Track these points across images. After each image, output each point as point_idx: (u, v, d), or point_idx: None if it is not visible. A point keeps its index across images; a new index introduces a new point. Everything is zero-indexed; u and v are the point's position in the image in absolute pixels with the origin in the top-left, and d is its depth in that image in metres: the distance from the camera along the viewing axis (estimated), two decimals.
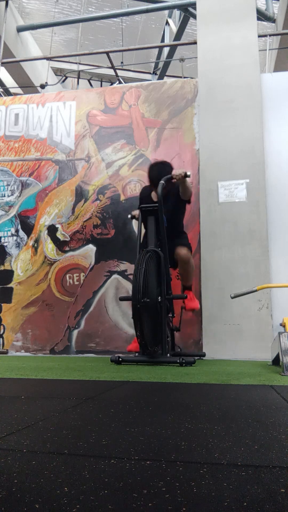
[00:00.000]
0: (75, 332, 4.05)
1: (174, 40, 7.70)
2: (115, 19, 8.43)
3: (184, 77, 4.63)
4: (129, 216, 3.56)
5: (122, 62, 8.23)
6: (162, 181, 3.11)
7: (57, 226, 4.32)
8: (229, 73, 4.14)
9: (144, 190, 3.58)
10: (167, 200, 3.25)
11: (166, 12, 8.22)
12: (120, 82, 6.20)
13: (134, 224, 4.07)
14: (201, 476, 0.73)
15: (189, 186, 3.28)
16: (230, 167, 3.95)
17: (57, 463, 0.80)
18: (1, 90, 7.53)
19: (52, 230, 4.33)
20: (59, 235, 4.30)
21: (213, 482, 0.70)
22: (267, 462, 0.81)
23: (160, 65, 9.04)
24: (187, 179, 3.19)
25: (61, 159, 4.47)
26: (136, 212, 3.33)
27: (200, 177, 4.02)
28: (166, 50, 8.56)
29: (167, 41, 8.61)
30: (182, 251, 3.26)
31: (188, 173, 3.12)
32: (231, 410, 1.31)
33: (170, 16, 8.46)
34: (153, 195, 3.42)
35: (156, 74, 9.70)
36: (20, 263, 4.32)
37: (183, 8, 6.96)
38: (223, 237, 3.84)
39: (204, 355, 3.39)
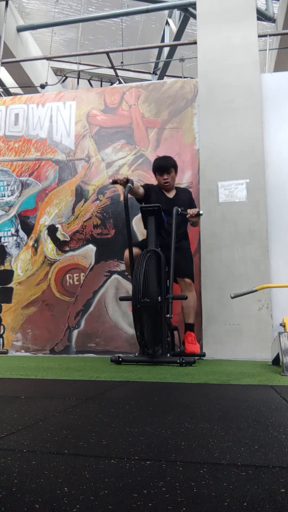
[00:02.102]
0: (75, 332, 4.05)
1: (174, 40, 7.70)
2: (115, 19, 8.43)
3: (184, 77, 4.63)
4: (111, 180, 3.22)
5: (122, 62, 8.23)
6: (177, 207, 3.21)
7: (57, 226, 4.32)
8: (229, 73, 4.14)
9: (152, 186, 3.56)
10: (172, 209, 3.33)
11: (166, 12, 8.22)
12: (120, 82, 6.20)
13: (134, 224, 4.06)
14: (201, 476, 0.73)
15: (198, 221, 3.50)
16: (230, 167, 3.95)
17: (57, 463, 0.80)
18: (1, 90, 7.54)
19: (52, 230, 4.33)
20: (59, 235, 4.30)
21: (213, 482, 0.70)
22: (267, 462, 0.81)
23: (160, 65, 9.04)
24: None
25: (61, 159, 4.47)
26: (120, 177, 3.10)
27: (200, 177, 4.02)
28: (166, 50, 8.56)
29: (167, 41, 8.61)
30: (186, 281, 3.31)
31: (201, 212, 3.29)
32: (231, 410, 1.31)
33: (170, 16, 8.46)
34: (166, 193, 3.52)
35: (156, 74, 9.70)
36: (20, 263, 4.32)
37: (183, 8, 6.96)
38: (223, 237, 3.84)
39: (204, 355, 3.39)
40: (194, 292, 3.37)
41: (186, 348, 3.29)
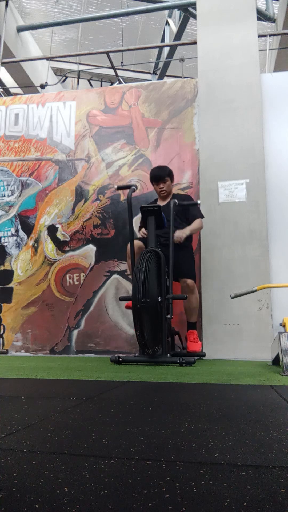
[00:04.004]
0: (75, 332, 4.05)
1: (174, 40, 7.71)
2: (115, 19, 8.44)
3: (184, 77, 4.63)
4: (116, 187, 3.56)
5: (122, 62, 8.23)
6: (174, 200, 3.29)
7: (57, 226, 4.32)
8: (229, 73, 4.14)
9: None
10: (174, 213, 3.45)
11: (166, 12, 8.22)
12: (120, 82, 6.20)
13: (135, 224, 4.06)
14: (201, 476, 0.73)
15: (194, 231, 3.52)
16: (230, 167, 3.95)
17: (57, 463, 0.80)
18: (1, 90, 7.54)
19: (52, 230, 4.33)
20: (59, 235, 4.30)
21: (213, 482, 0.70)
22: (267, 462, 0.81)
23: (160, 65, 9.04)
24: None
25: (61, 159, 4.46)
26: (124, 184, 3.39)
27: (200, 177, 4.02)
28: (166, 50, 8.56)
29: (167, 41, 8.62)
30: (188, 282, 3.32)
31: (198, 202, 3.44)
32: (231, 410, 1.31)
33: (170, 16, 8.46)
34: (159, 202, 3.62)
35: (156, 74, 9.71)
36: (20, 263, 4.32)
37: (183, 8, 6.97)
38: (223, 237, 3.84)
39: (204, 355, 3.39)
40: (196, 294, 3.38)
41: (188, 347, 3.31)
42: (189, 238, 3.51)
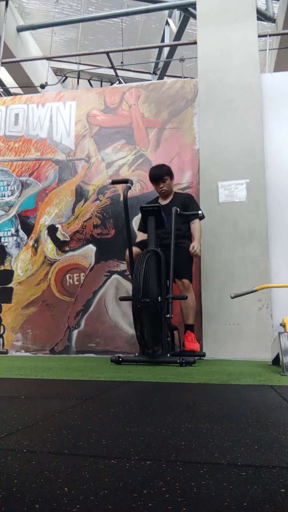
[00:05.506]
0: (75, 332, 4.05)
1: (174, 40, 7.71)
2: (115, 19, 8.44)
3: (184, 77, 4.63)
4: (110, 181, 3.53)
5: (122, 62, 8.23)
6: (175, 207, 3.27)
7: (57, 226, 4.32)
8: (229, 73, 4.14)
9: (152, 200, 3.72)
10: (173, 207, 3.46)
11: (166, 12, 8.22)
12: (120, 82, 6.20)
13: (134, 224, 4.06)
14: (201, 476, 0.73)
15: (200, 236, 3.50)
16: (230, 167, 3.95)
17: (57, 463, 0.80)
18: (1, 90, 7.54)
19: (52, 230, 4.33)
20: (59, 235, 4.30)
21: (213, 482, 0.70)
22: (267, 462, 0.81)
23: (160, 65, 9.04)
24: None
25: (61, 159, 4.46)
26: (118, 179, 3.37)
27: (200, 177, 4.02)
28: (166, 50, 8.56)
29: (167, 41, 8.62)
30: (184, 281, 3.31)
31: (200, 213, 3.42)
32: (231, 410, 1.31)
33: (170, 16, 8.46)
34: (160, 201, 3.63)
35: (156, 74, 9.71)
36: (20, 263, 4.32)
37: (183, 8, 6.97)
38: (223, 237, 3.84)
39: (204, 355, 3.39)
40: (192, 293, 3.37)
41: (186, 346, 3.30)
42: (188, 237, 3.51)
